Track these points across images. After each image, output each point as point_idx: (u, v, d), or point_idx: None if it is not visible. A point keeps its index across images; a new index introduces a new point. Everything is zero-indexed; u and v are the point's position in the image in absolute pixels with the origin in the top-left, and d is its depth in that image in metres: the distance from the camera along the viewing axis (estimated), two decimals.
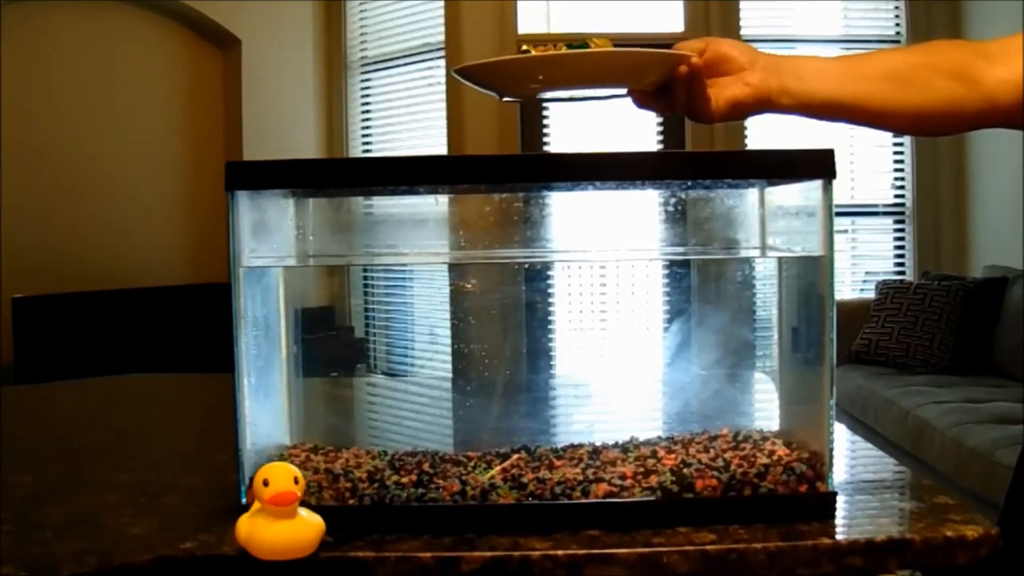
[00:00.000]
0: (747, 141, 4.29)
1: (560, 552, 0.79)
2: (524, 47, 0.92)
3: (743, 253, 1.03)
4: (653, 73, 0.93)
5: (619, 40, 0.94)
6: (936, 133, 1.02)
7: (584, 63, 0.90)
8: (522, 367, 1.18)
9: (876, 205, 4.44)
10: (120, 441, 1.31)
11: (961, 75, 0.94)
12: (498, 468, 0.90)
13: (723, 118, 0.94)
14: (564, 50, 0.90)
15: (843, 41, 4.43)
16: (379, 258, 1.14)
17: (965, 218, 4.33)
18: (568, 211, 1.05)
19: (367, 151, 4.91)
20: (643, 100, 0.97)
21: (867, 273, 4.46)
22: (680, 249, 1.01)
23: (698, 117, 0.95)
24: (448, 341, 1.05)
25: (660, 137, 4.36)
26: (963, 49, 0.96)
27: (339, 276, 1.21)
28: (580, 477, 0.88)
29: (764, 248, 1.02)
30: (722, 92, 0.93)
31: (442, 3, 4.47)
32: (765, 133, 4.27)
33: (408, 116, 4.75)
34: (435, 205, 1.03)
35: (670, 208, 1.00)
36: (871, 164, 4.45)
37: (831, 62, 0.98)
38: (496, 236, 1.01)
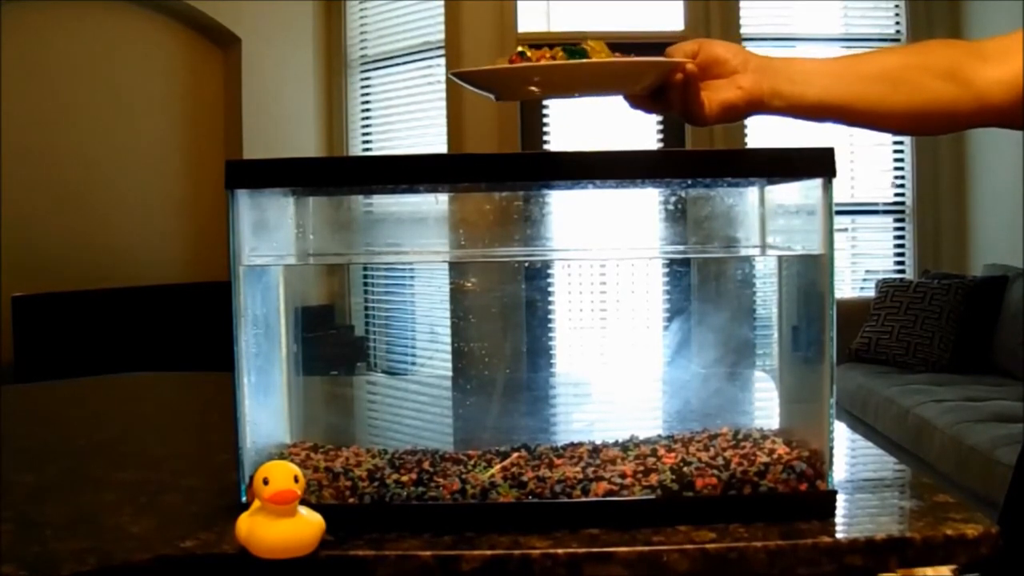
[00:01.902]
0: (747, 140, 4.29)
1: (560, 551, 0.79)
2: (520, 49, 0.93)
3: (743, 252, 1.03)
4: (648, 79, 0.94)
5: (618, 39, 0.94)
6: (930, 133, 1.02)
7: (580, 72, 0.91)
8: (522, 366, 1.18)
9: (876, 203, 4.44)
10: (120, 440, 1.31)
11: (954, 76, 0.94)
12: (498, 467, 0.90)
13: (716, 121, 0.95)
14: (561, 53, 0.91)
15: (843, 40, 4.43)
16: (379, 257, 1.14)
17: (965, 216, 4.33)
18: (568, 210, 1.05)
19: (367, 150, 4.91)
20: (637, 102, 0.97)
21: (867, 272, 4.46)
22: (680, 248, 1.01)
23: (692, 119, 0.95)
24: (448, 340, 1.06)
25: (660, 136, 4.36)
26: (957, 49, 0.96)
27: (339, 275, 1.21)
28: (580, 476, 0.88)
29: (764, 247, 1.02)
30: (715, 95, 0.94)
31: (442, 2, 4.47)
32: (765, 132, 4.27)
33: (408, 115, 4.75)
34: (435, 204, 1.03)
35: (670, 207, 1.00)
36: (871, 163, 4.45)
37: (824, 63, 0.97)
38: (496, 235, 1.01)
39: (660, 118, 4.33)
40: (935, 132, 1.01)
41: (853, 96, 0.95)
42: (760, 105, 0.94)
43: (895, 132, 1.01)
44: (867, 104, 0.95)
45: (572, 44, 0.94)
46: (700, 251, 1.02)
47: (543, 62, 0.90)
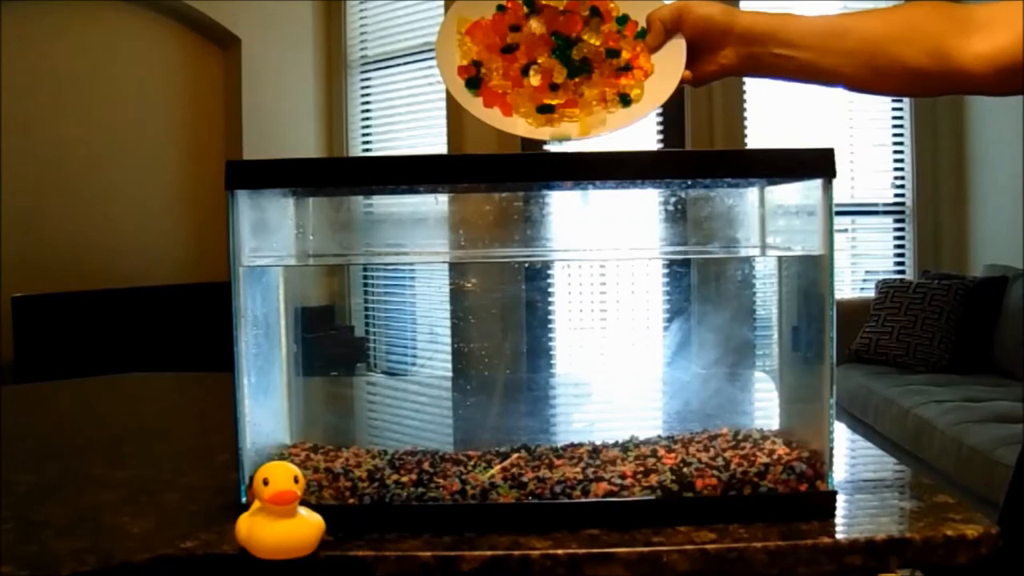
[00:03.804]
0: (747, 140, 4.29)
1: (560, 551, 0.79)
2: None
3: (743, 252, 1.03)
4: None
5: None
6: (899, 95, 1.06)
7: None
8: (522, 366, 1.18)
9: (876, 204, 4.44)
10: (120, 440, 1.31)
11: (936, 53, 0.94)
12: (498, 467, 0.90)
13: (703, 84, 1.03)
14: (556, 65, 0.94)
15: None
16: (379, 257, 1.14)
17: (965, 217, 4.33)
18: (568, 210, 1.05)
19: (367, 150, 4.91)
20: None
21: (867, 272, 4.46)
22: (680, 248, 1.01)
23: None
24: (448, 340, 1.06)
25: (660, 136, 4.36)
26: (944, 19, 0.95)
27: (339, 275, 1.21)
28: (580, 476, 0.88)
29: (764, 247, 1.02)
30: (701, 68, 1.01)
31: (442, 2, 4.47)
32: (765, 131, 4.27)
33: (408, 115, 4.75)
34: (435, 204, 1.03)
35: (670, 207, 1.00)
36: (871, 163, 4.45)
37: (808, 29, 0.98)
38: (496, 235, 1.01)
39: (660, 117, 4.34)
40: (905, 95, 1.05)
41: (832, 67, 0.99)
42: (741, 73, 1.01)
43: (864, 93, 1.05)
44: (844, 75, 0.99)
45: (566, 37, 0.96)
46: (700, 251, 1.02)
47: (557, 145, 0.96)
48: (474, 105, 1.00)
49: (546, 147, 0.97)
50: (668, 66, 0.99)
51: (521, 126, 0.97)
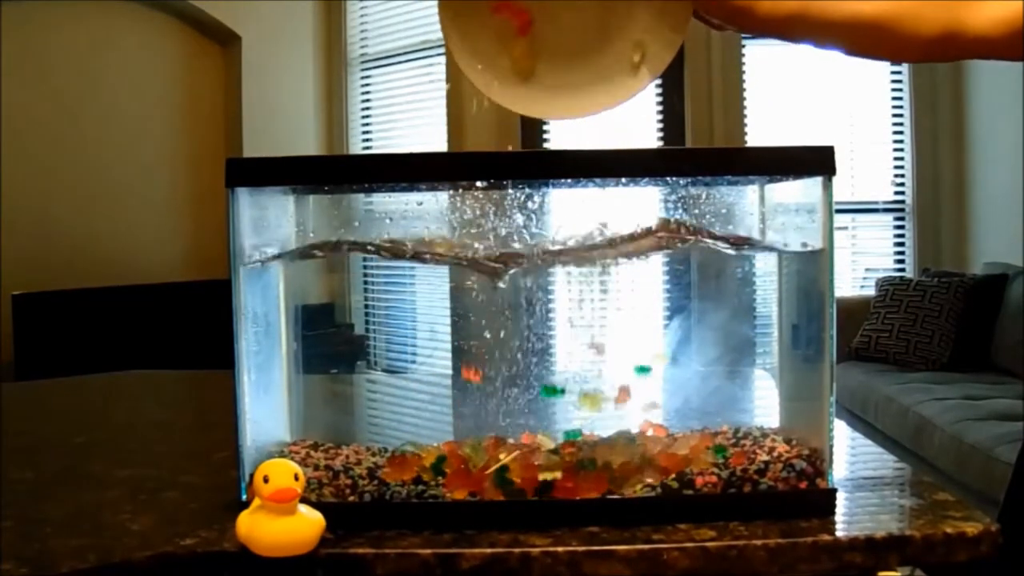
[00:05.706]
0: (747, 137, 4.29)
1: (560, 549, 0.79)
2: None
3: (743, 250, 1.03)
4: None
5: None
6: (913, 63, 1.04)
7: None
8: (521, 364, 1.18)
9: (876, 202, 4.44)
10: (120, 437, 1.31)
11: (950, 23, 0.90)
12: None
13: None
14: None
15: None
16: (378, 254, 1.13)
17: (965, 215, 4.33)
18: (568, 207, 1.05)
19: (367, 148, 4.91)
20: None
21: (867, 270, 4.46)
22: (680, 246, 1.01)
23: None
24: (448, 338, 1.05)
25: (660, 135, 4.36)
26: None
27: (339, 273, 1.21)
28: None
29: (764, 245, 1.02)
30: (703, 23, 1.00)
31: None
32: (765, 128, 4.27)
33: (408, 113, 4.75)
34: (435, 203, 1.03)
35: (670, 205, 1.00)
36: (871, 161, 4.45)
37: (829, 20, 0.94)
38: (495, 232, 1.01)
39: (660, 116, 4.33)
40: (917, 63, 1.03)
41: (846, 47, 0.97)
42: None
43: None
44: (857, 51, 0.96)
45: None
46: (700, 249, 1.02)
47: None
48: (492, 88, 0.98)
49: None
50: (668, 32, 0.98)
51: (529, 104, 0.95)
